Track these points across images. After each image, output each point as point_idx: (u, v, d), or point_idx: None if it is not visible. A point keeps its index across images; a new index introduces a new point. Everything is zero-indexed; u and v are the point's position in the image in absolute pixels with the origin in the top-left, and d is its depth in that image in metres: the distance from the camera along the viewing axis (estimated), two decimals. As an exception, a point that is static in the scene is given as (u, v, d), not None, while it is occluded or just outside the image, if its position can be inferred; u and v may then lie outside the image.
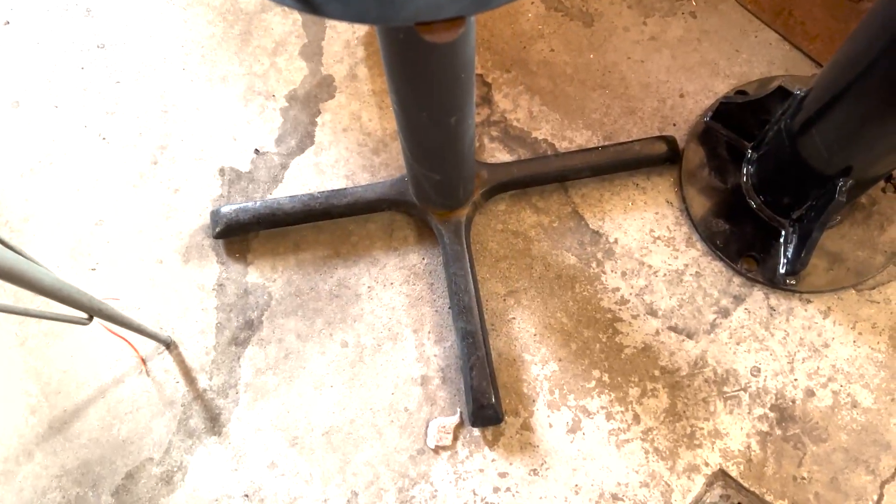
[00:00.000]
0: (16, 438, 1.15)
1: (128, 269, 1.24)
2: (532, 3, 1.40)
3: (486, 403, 1.09)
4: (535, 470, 1.12)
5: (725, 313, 1.19)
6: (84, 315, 0.92)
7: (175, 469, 1.13)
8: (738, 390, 1.15)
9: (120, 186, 1.29)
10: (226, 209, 1.22)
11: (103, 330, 1.17)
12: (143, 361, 1.18)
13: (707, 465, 1.11)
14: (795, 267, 1.16)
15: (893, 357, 1.15)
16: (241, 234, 1.25)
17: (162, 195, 1.29)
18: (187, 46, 1.39)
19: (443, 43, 0.49)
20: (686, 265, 1.22)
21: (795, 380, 1.15)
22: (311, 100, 1.34)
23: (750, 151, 1.24)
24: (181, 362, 1.18)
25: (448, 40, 0.48)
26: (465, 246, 1.16)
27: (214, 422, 1.15)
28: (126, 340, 1.18)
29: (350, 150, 1.31)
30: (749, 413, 1.13)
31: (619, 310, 1.20)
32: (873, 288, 1.19)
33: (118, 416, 1.16)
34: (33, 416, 1.16)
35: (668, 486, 1.10)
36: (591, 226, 1.25)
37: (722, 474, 1.11)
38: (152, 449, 1.14)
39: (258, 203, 1.22)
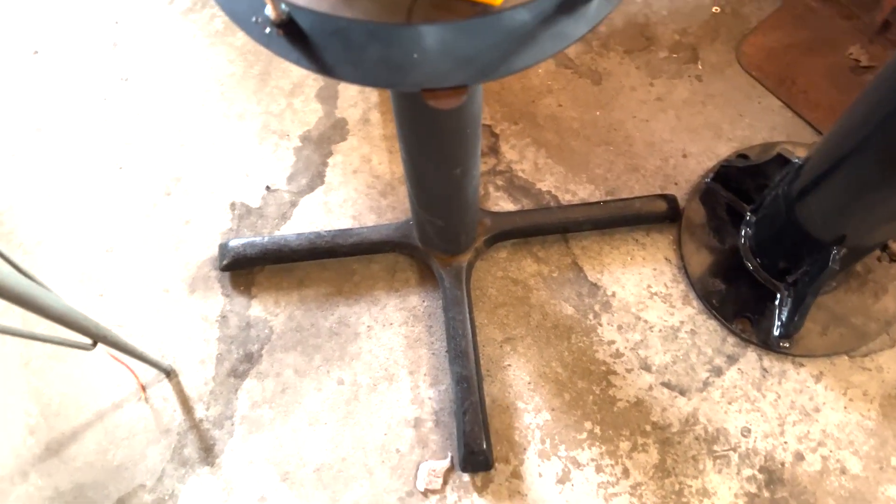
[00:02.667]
0: (12, 458, 1.16)
1: (134, 297, 1.27)
2: (543, 58, 1.44)
3: (477, 449, 1.10)
4: (522, 519, 1.12)
5: (718, 372, 1.20)
6: (89, 341, 0.95)
7: (166, 497, 1.14)
8: (728, 450, 1.15)
9: (133, 215, 1.33)
10: (234, 243, 1.25)
11: (106, 355, 1.19)
12: (143, 388, 1.20)
13: (694, 523, 1.12)
14: (789, 330, 1.17)
15: (883, 425, 1.16)
16: (247, 268, 1.28)
17: (173, 226, 1.32)
18: (207, 83, 1.43)
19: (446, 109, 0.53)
20: (682, 322, 1.24)
21: (785, 442, 1.16)
22: (324, 141, 1.38)
23: (749, 214, 1.26)
24: (180, 391, 1.20)
25: (451, 107, 0.51)
26: (465, 291, 1.19)
27: (208, 452, 1.17)
28: (127, 367, 1.20)
29: (358, 192, 1.34)
30: (738, 473, 1.14)
31: (614, 363, 1.21)
32: (866, 355, 1.20)
33: (114, 441, 1.17)
34: (31, 437, 1.17)
35: (655, 542, 1.11)
36: (589, 278, 1.27)
37: (708, 534, 1.11)
38: (145, 476, 1.15)
39: (266, 238, 1.25)
